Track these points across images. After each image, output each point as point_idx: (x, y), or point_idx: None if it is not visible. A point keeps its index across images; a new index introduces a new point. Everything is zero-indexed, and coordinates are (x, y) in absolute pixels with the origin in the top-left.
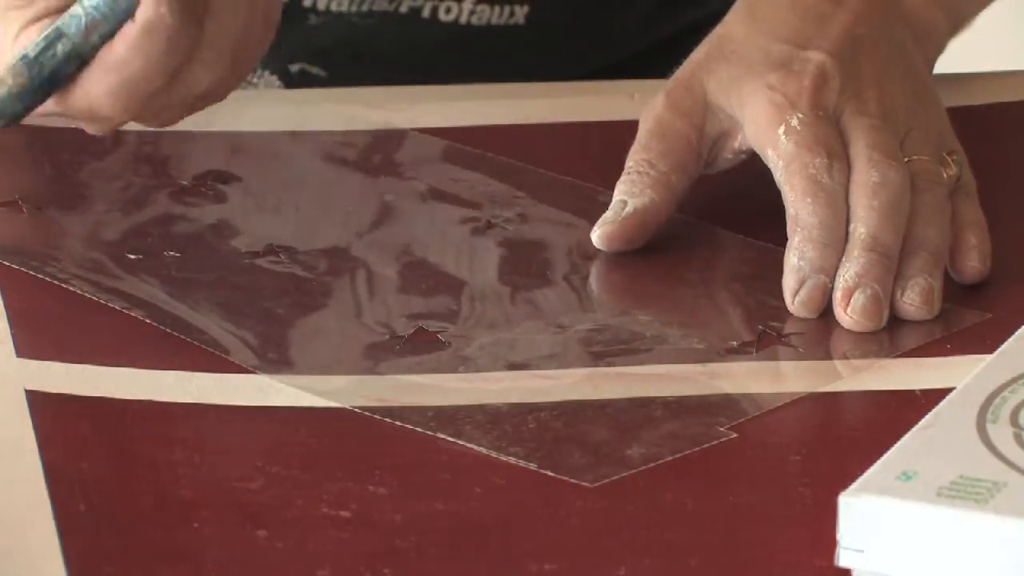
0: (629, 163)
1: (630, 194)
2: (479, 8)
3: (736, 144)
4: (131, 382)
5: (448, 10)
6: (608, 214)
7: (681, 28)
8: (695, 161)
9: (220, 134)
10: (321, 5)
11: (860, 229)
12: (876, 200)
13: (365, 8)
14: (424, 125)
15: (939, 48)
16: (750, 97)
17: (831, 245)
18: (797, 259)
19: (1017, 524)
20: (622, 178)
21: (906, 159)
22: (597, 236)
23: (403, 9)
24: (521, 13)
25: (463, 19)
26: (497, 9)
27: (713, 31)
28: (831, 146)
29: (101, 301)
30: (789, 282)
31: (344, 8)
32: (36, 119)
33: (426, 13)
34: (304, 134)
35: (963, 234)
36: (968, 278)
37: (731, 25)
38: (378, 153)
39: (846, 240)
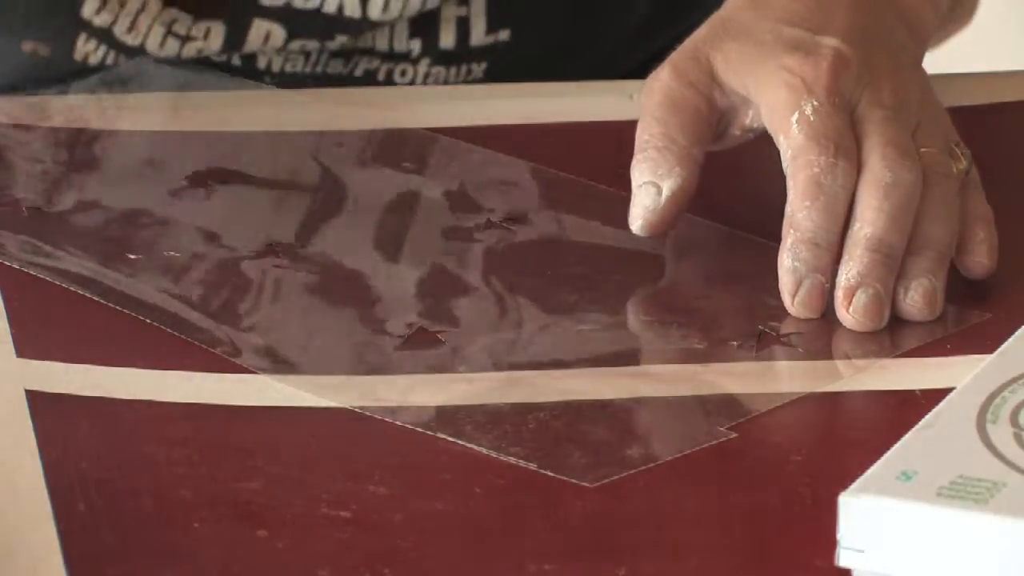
0: (645, 137)
1: (658, 175)
2: (434, 70)
3: (747, 122)
4: (131, 382)
5: (403, 72)
6: (646, 201)
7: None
8: (709, 132)
9: (220, 134)
10: (276, 67)
11: (866, 230)
12: (887, 203)
13: (319, 70)
14: (424, 125)
15: (927, 42)
16: (766, 79)
17: (824, 247)
18: (791, 260)
19: (1017, 524)
20: (641, 155)
21: (918, 150)
22: (639, 226)
23: (358, 72)
24: (479, 70)
25: (419, 81)
26: (453, 69)
27: (714, 15)
28: (841, 141)
29: (101, 301)
30: (786, 284)
31: (298, 70)
32: (35, 118)
33: (381, 76)
34: (304, 134)
35: (971, 229)
36: (976, 274)
37: (734, 10)
38: (378, 153)
39: (842, 241)
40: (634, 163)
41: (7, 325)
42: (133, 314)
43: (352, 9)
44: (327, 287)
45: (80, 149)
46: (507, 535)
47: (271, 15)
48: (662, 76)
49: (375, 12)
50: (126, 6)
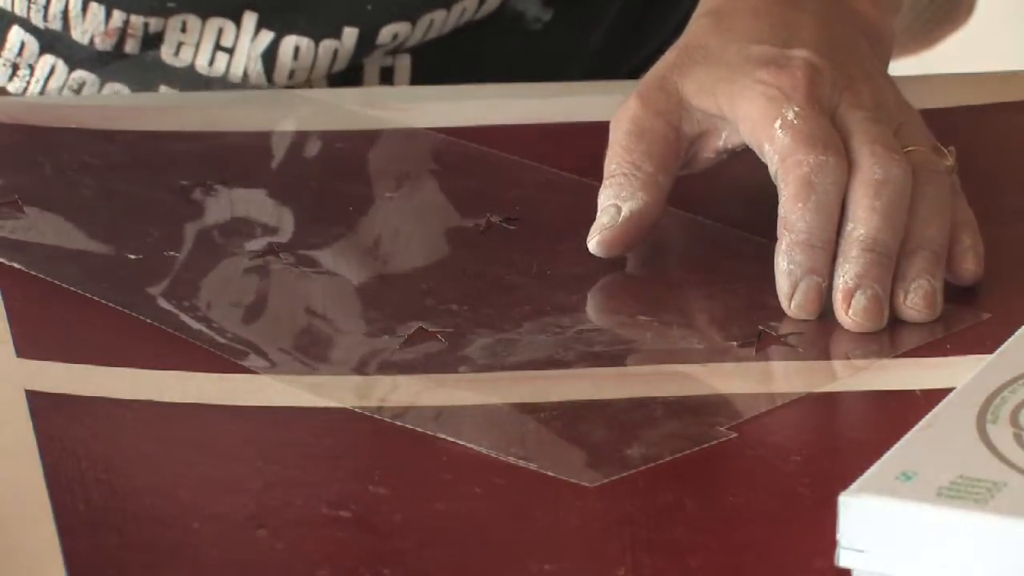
0: (611, 166)
1: (621, 197)
2: None
3: (719, 143)
4: (131, 382)
5: None
6: (603, 219)
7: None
8: (676, 161)
9: (220, 134)
10: None
11: (860, 230)
12: (878, 201)
13: None
14: (424, 125)
15: (889, 55)
16: (741, 94)
17: (819, 247)
18: (787, 263)
19: (1017, 524)
20: (607, 182)
21: (905, 149)
22: (595, 243)
23: None
24: None
25: None
26: None
27: (677, 42)
28: (828, 140)
29: (101, 301)
30: (782, 286)
31: None
32: (35, 118)
33: None
34: (304, 133)
35: (956, 235)
36: (964, 281)
37: (697, 36)
38: (378, 152)
39: (838, 239)
40: (600, 189)
41: (7, 325)
42: (133, 314)
43: (257, 77)
44: (327, 287)
45: (80, 150)
46: (507, 535)
47: (175, 80)
48: (629, 106)
49: (281, 79)
50: (35, 72)
